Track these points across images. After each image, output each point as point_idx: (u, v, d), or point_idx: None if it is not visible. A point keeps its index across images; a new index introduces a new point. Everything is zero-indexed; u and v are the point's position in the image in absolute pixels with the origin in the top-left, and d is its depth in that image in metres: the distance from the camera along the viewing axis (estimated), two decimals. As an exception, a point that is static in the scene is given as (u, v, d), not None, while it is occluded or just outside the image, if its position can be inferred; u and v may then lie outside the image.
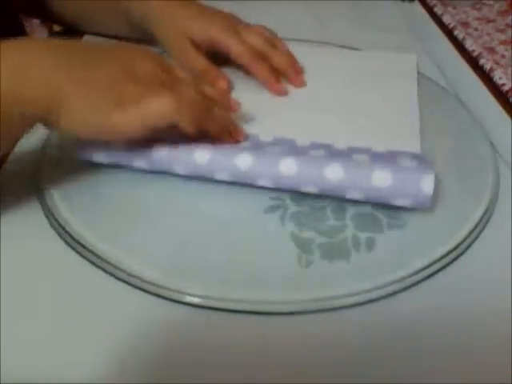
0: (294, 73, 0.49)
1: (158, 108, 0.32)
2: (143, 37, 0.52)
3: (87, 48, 0.35)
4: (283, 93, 0.47)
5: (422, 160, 0.35)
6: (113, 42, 0.36)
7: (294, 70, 0.49)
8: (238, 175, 0.35)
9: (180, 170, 0.36)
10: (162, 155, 0.35)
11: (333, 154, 0.36)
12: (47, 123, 0.32)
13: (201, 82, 0.39)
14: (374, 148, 0.39)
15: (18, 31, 0.55)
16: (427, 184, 0.33)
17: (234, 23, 0.48)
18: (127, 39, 0.54)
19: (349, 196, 0.34)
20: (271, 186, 0.35)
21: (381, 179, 0.33)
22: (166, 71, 0.36)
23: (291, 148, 0.37)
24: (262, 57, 0.47)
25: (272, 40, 0.49)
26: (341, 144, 0.39)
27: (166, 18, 0.47)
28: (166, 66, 0.36)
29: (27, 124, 0.32)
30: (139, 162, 0.36)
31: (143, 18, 0.49)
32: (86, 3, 0.54)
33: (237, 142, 0.38)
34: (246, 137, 0.39)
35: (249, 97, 0.48)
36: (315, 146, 0.39)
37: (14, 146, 0.34)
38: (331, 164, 0.34)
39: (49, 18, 0.60)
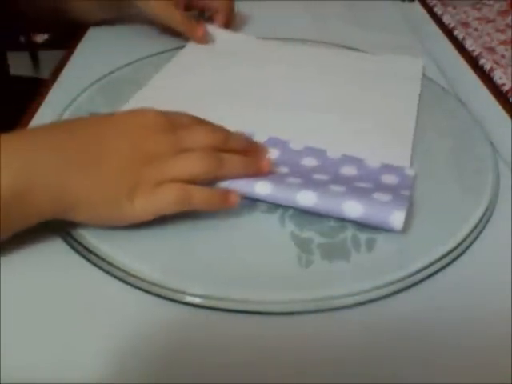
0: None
1: (168, 200, 0.32)
2: (119, 12, 0.59)
3: (91, 131, 0.33)
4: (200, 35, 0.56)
5: (401, 190, 0.35)
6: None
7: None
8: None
9: None
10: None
11: (318, 169, 0.37)
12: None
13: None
14: (365, 157, 0.39)
15: (20, 30, 0.55)
16: (397, 220, 0.33)
17: None
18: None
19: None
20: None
21: (351, 211, 0.33)
22: (175, 127, 0.35)
23: (282, 154, 0.38)
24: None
25: None
26: (334, 150, 0.39)
27: None
28: (173, 119, 0.35)
29: (30, 223, 0.31)
30: None
31: None
32: None
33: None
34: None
35: (247, 93, 0.48)
36: (308, 153, 0.39)
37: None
38: (304, 191, 0.34)
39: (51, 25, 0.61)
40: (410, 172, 0.38)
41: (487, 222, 0.36)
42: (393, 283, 0.31)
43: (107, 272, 0.32)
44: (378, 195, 0.34)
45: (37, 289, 0.31)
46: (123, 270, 0.31)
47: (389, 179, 0.37)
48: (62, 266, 0.32)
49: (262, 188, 0.35)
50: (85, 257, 0.32)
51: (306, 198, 0.34)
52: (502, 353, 0.28)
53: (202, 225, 0.35)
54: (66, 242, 0.33)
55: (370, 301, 0.30)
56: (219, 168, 0.34)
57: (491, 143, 0.43)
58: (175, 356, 0.28)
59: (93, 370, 0.27)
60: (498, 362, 0.28)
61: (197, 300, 0.30)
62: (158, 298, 0.30)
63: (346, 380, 0.27)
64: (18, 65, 0.87)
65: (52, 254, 0.33)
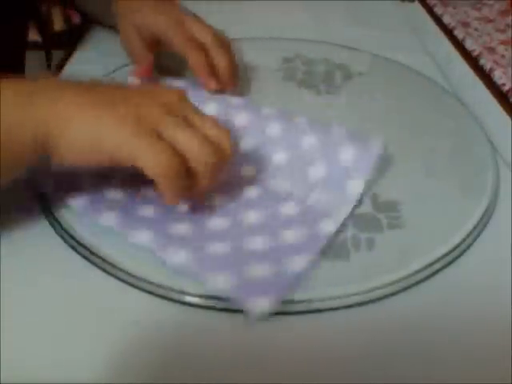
0: (228, 76, 0.45)
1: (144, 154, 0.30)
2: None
3: (105, 84, 0.34)
4: (214, 87, 0.44)
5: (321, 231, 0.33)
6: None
7: (230, 74, 0.45)
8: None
9: None
10: None
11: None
12: (49, 148, 0.31)
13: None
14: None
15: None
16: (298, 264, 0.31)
17: (182, 17, 0.47)
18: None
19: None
20: None
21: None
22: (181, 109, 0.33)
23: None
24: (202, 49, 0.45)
25: (220, 40, 0.46)
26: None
27: (124, 9, 0.48)
28: (184, 105, 0.34)
29: (30, 151, 0.31)
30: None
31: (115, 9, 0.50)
32: None
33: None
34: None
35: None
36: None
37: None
38: (249, 213, 0.34)
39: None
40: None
41: (487, 222, 0.36)
42: (393, 283, 0.31)
43: (107, 272, 0.32)
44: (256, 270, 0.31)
45: (37, 289, 0.31)
46: (123, 270, 0.31)
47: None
48: (62, 267, 0.32)
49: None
50: (85, 257, 0.32)
51: (250, 217, 0.34)
52: (502, 353, 0.28)
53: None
54: (66, 242, 0.33)
55: (370, 301, 0.30)
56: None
57: (491, 143, 0.43)
58: (175, 356, 0.28)
59: (93, 369, 0.27)
60: (498, 361, 0.28)
61: (197, 300, 0.30)
62: (158, 297, 0.30)
63: (346, 380, 0.27)
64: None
65: (52, 254, 0.33)
